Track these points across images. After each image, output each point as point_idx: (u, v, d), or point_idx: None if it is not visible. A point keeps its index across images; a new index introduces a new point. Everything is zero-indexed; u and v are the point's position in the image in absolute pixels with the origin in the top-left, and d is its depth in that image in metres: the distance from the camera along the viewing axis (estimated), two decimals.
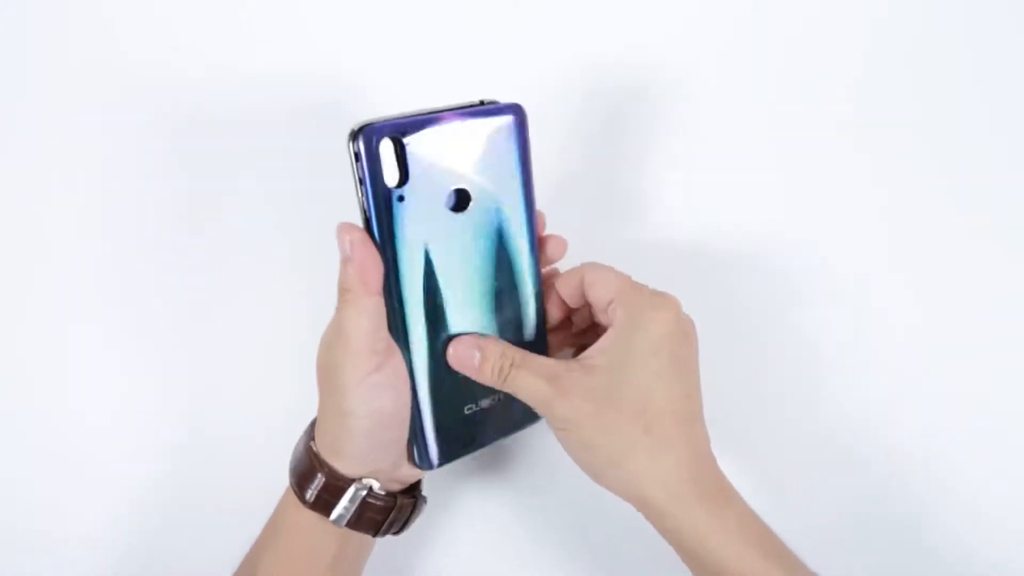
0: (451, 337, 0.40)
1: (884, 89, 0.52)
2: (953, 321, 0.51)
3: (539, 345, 0.43)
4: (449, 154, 0.38)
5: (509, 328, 0.42)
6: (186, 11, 0.52)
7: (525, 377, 0.39)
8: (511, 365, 0.40)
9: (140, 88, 0.52)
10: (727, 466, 0.40)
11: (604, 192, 0.52)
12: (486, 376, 0.40)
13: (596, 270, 0.42)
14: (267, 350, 0.51)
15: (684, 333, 0.40)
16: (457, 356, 0.40)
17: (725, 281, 0.51)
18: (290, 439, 0.45)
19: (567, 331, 0.46)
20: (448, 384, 0.41)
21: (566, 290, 0.43)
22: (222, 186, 0.51)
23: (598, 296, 0.42)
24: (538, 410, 0.40)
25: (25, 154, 0.51)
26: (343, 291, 0.37)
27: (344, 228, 0.37)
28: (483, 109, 0.39)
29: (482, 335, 0.41)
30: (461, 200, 0.39)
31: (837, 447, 0.50)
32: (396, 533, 0.43)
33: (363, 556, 0.44)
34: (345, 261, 0.37)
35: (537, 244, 0.42)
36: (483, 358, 0.40)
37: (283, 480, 0.43)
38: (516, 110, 0.40)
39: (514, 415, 0.43)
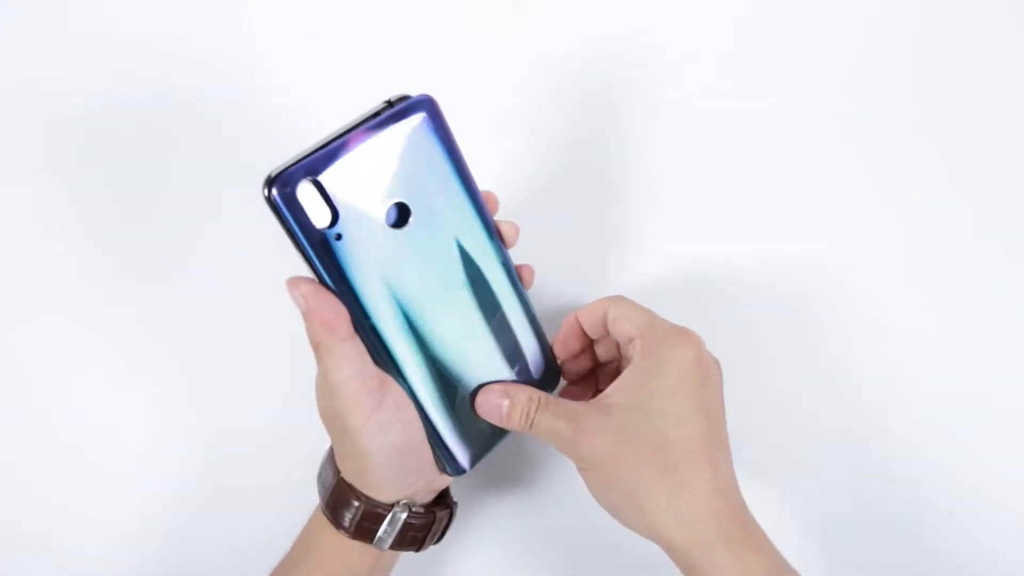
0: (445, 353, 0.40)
1: (885, 90, 0.52)
2: (960, 323, 0.51)
3: (539, 341, 0.43)
4: (372, 174, 0.35)
5: (496, 320, 0.41)
6: (189, 14, 0.52)
7: (548, 420, 0.39)
8: (536, 408, 0.40)
9: (139, 87, 0.52)
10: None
11: (601, 195, 0.52)
12: (515, 423, 0.40)
13: (619, 305, 0.42)
14: (272, 347, 0.51)
15: (705, 371, 0.39)
16: (486, 406, 0.41)
17: (727, 286, 0.51)
18: (296, 435, 0.46)
19: (590, 358, 0.46)
20: (452, 391, 0.41)
21: (588, 322, 0.43)
22: (221, 188, 0.52)
23: (620, 331, 0.41)
24: (563, 452, 0.40)
25: (25, 154, 0.51)
26: (315, 345, 0.37)
27: (293, 283, 0.36)
28: (391, 115, 0.36)
29: (510, 382, 0.41)
30: (401, 215, 0.37)
31: (847, 452, 0.50)
32: (436, 542, 0.44)
33: (394, 562, 0.45)
34: (305, 316, 0.36)
35: (494, 230, 0.40)
36: (512, 405, 0.40)
37: (295, 477, 0.43)
38: (425, 104, 0.36)
39: None
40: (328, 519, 0.41)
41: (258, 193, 0.52)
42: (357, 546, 0.41)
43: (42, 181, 0.51)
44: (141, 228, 0.51)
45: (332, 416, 0.38)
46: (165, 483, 0.50)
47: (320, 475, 0.43)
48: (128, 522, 0.50)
